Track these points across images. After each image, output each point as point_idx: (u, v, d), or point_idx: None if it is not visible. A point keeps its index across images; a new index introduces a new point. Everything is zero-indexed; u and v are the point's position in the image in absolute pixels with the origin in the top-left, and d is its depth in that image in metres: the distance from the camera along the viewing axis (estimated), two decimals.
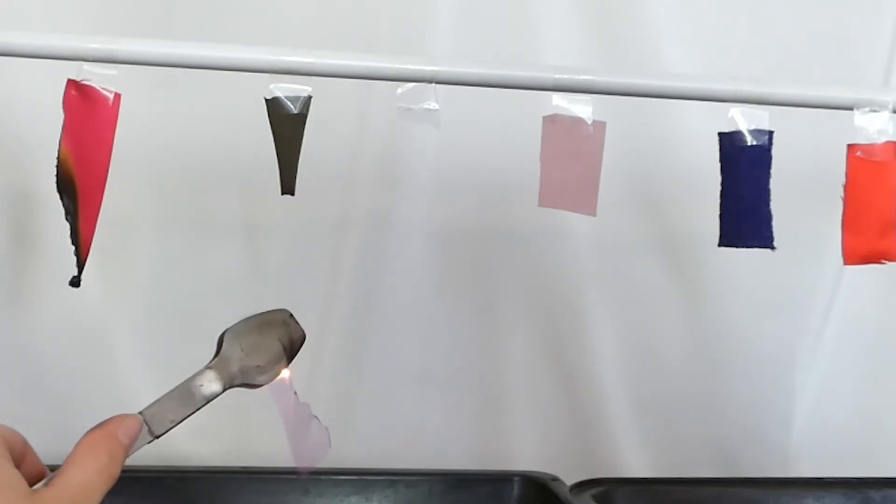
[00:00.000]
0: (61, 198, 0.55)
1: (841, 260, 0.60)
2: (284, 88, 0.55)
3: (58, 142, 0.54)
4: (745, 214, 0.58)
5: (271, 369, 0.50)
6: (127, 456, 0.44)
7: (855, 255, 0.59)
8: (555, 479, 0.82)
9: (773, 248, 0.58)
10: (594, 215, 0.58)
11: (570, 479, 0.82)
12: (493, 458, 0.93)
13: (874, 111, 0.59)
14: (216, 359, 0.49)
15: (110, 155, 0.55)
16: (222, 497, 0.81)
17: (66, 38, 0.55)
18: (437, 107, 0.56)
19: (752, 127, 0.58)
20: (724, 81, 0.59)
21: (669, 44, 0.88)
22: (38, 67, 0.56)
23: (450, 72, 0.57)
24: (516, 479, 0.84)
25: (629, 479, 0.88)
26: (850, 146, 0.59)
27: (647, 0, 0.88)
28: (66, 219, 0.55)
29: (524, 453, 0.94)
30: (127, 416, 0.45)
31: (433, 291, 0.91)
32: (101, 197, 0.56)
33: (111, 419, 0.44)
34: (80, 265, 0.56)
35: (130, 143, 0.57)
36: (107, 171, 0.55)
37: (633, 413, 0.94)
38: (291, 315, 0.51)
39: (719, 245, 0.59)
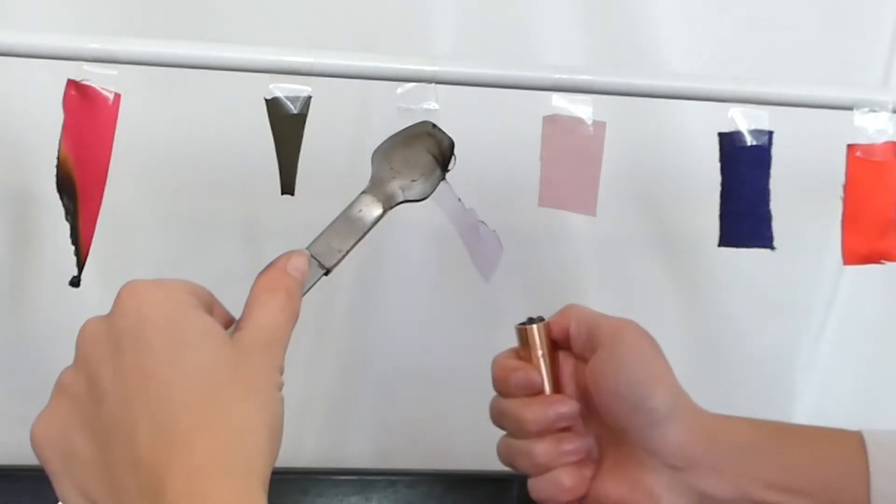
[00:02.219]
0: (61, 198, 0.55)
1: (841, 260, 0.60)
2: (284, 88, 0.55)
3: (58, 142, 0.54)
4: (745, 214, 0.58)
5: (427, 180, 0.50)
6: (303, 292, 0.45)
7: (855, 255, 0.59)
8: None
9: (773, 248, 0.58)
10: (594, 215, 0.58)
11: None
12: (493, 458, 0.93)
13: (874, 111, 0.59)
14: (370, 183, 0.48)
15: (110, 155, 0.55)
16: None
17: (66, 38, 0.55)
18: (437, 107, 0.56)
19: (752, 127, 0.58)
20: (724, 81, 0.59)
21: (669, 44, 0.88)
22: (38, 67, 0.56)
23: (450, 72, 0.57)
24: (516, 479, 0.84)
25: None
26: (849, 146, 0.59)
27: (647, 0, 0.88)
28: (66, 219, 0.55)
29: None
30: (294, 252, 0.45)
31: (433, 291, 0.91)
32: (101, 197, 0.56)
33: (278, 258, 0.45)
34: (80, 265, 0.56)
35: (130, 143, 0.57)
36: (107, 171, 0.55)
37: None
38: (434, 125, 0.50)
39: (719, 245, 0.59)
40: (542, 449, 0.60)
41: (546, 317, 0.65)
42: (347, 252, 0.46)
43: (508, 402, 0.61)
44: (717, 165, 0.58)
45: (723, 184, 0.58)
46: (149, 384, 0.38)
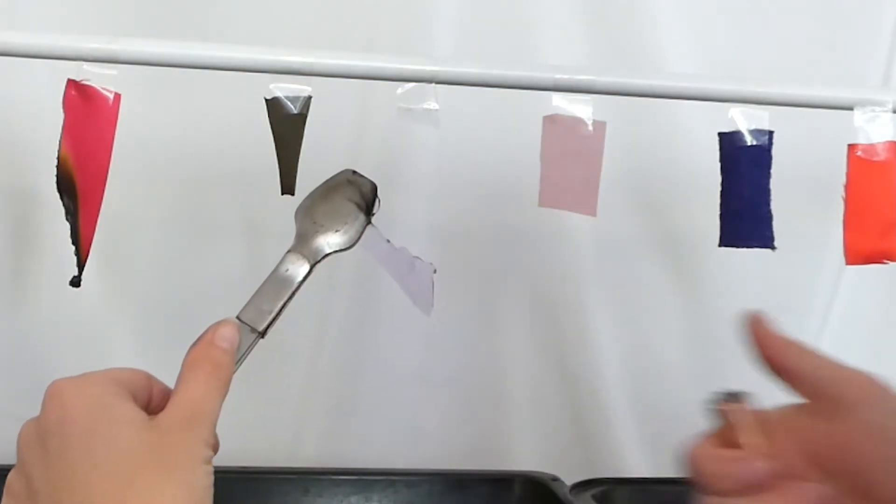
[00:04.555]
0: (61, 198, 0.55)
1: (841, 260, 0.60)
2: (284, 88, 0.55)
3: (58, 142, 0.54)
4: (745, 214, 0.58)
5: (351, 228, 0.50)
6: (237, 360, 0.46)
7: (857, 254, 0.59)
8: (555, 479, 0.82)
9: (773, 248, 0.58)
10: (594, 215, 0.58)
11: (570, 479, 0.82)
12: (493, 458, 0.93)
13: (874, 111, 0.59)
14: (294, 241, 0.49)
15: (110, 155, 0.55)
16: (222, 497, 0.80)
17: (66, 38, 0.55)
18: (437, 107, 0.56)
19: (752, 127, 0.58)
20: (724, 81, 0.59)
21: (669, 44, 0.88)
22: (38, 67, 0.56)
23: (450, 72, 0.57)
24: (516, 479, 0.84)
25: (629, 479, 0.88)
26: (850, 146, 0.59)
27: (648, 0, 0.88)
28: (66, 219, 0.55)
29: (524, 453, 0.94)
30: (221, 322, 0.46)
31: None
32: (101, 197, 0.56)
33: (206, 330, 0.46)
34: (80, 265, 0.56)
35: (130, 143, 0.57)
36: (107, 171, 0.55)
37: (633, 413, 0.94)
38: (354, 172, 0.51)
39: (719, 245, 0.59)
40: None
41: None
42: (279, 312, 0.47)
43: (731, 501, 0.50)
44: (717, 165, 0.58)
45: (723, 184, 0.58)
46: (71, 477, 0.40)
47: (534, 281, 0.92)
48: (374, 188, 0.51)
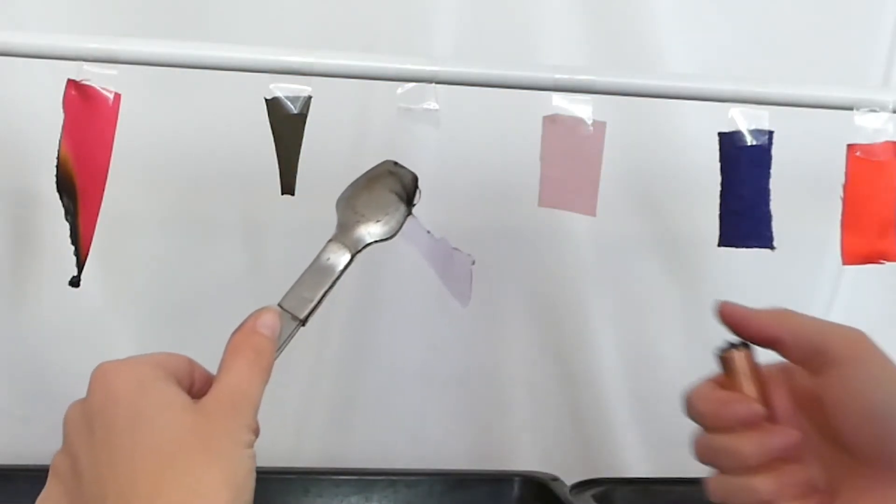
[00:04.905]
0: (61, 198, 0.55)
1: (841, 260, 0.60)
2: (284, 88, 0.55)
3: (58, 142, 0.54)
4: (745, 214, 0.58)
5: (392, 218, 0.51)
6: (278, 346, 0.46)
7: (854, 255, 0.59)
8: (555, 479, 0.82)
9: (772, 248, 0.58)
10: (594, 215, 0.58)
11: (570, 479, 0.82)
12: (493, 458, 0.93)
13: (874, 111, 0.59)
14: (336, 230, 0.49)
15: (110, 155, 0.55)
16: None
17: (66, 38, 0.55)
18: (437, 107, 0.56)
19: (752, 127, 0.58)
20: (724, 81, 0.59)
21: (669, 43, 0.88)
22: (38, 67, 0.56)
23: (450, 72, 0.57)
24: (516, 479, 0.84)
25: (629, 479, 0.88)
26: (849, 146, 0.59)
27: (648, 0, 0.88)
28: (66, 219, 0.55)
29: (524, 453, 0.94)
30: (263, 309, 0.46)
31: (433, 291, 0.91)
32: (101, 197, 0.56)
33: (248, 317, 0.46)
34: (80, 265, 0.56)
35: (130, 144, 0.57)
36: (107, 171, 0.56)
37: (634, 413, 0.94)
38: (395, 163, 0.51)
39: (719, 245, 0.59)
40: (764, 483, 0.54)
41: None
42: (320, 300, 0.47)
43: (721, 437, 0.55)
44: (717, 165, 0.58)
45: (723, 184, 0.59)
46: (115, 458, 0.41)
47: (534, 281, 0.92)
48: (416, 179, 0.52)
